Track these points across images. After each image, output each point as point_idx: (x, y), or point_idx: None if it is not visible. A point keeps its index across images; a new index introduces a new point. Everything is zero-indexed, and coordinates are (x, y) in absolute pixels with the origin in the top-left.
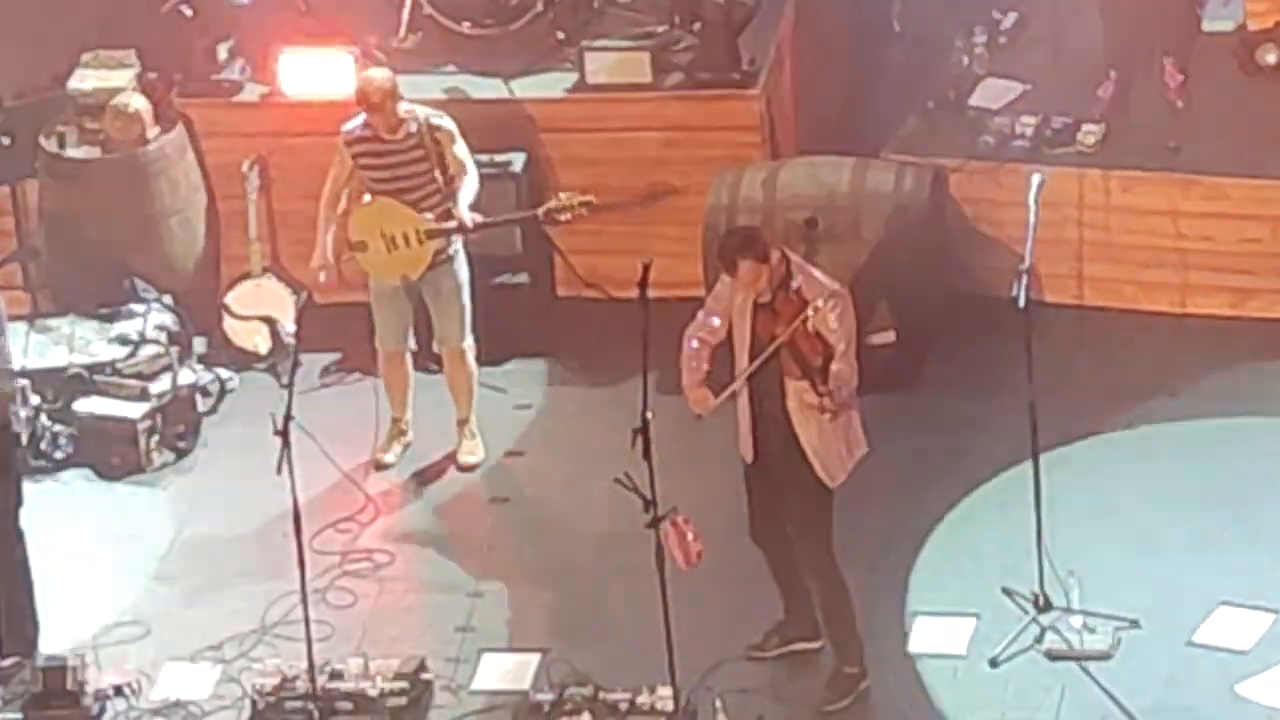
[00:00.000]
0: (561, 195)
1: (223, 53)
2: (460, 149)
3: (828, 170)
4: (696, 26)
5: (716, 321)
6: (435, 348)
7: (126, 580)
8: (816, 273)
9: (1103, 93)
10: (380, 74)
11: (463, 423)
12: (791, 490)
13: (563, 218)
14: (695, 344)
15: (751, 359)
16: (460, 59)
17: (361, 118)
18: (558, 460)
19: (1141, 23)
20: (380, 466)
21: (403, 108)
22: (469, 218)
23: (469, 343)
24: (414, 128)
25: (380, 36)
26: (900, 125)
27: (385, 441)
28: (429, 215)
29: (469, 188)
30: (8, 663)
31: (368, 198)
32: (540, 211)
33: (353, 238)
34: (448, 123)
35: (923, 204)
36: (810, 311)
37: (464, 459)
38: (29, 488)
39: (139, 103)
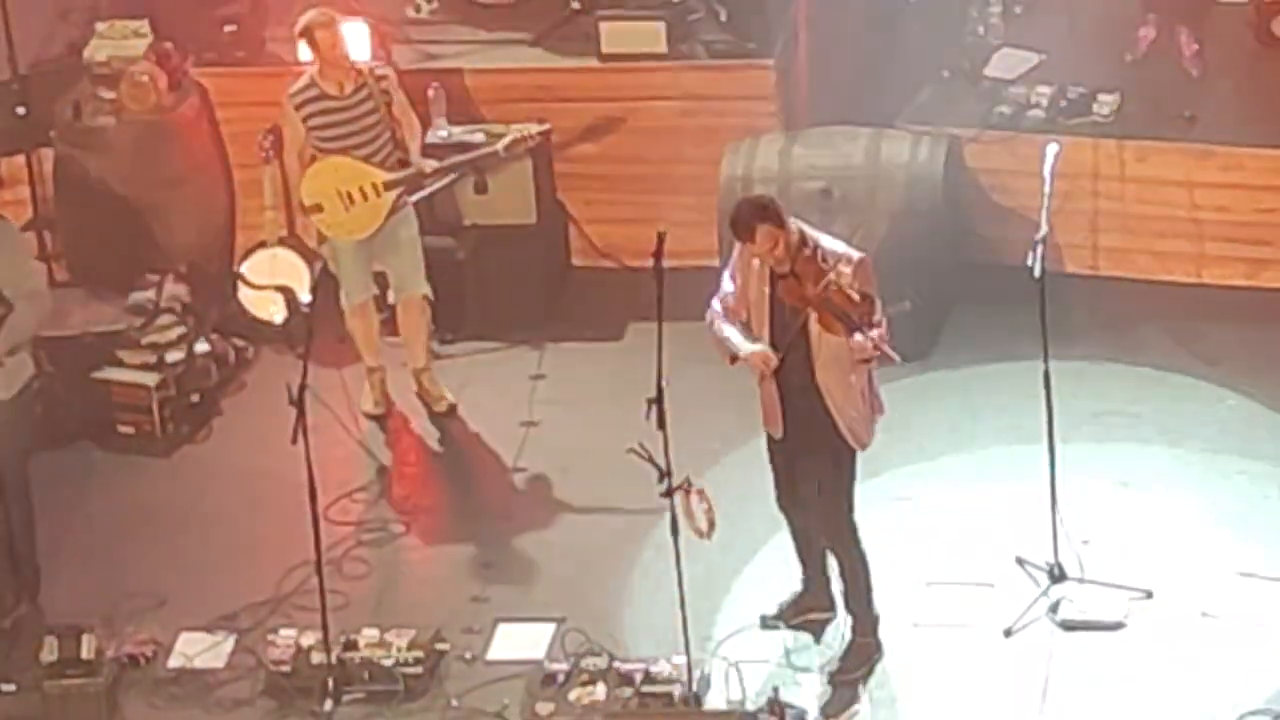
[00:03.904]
0: (517, 127)
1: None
2: (402, 97)
3: (843, 140)
4: None
5: (732, 286)
6: (391, 298)
7: (141, 549)
8: (829, 240)
9: (1142, 36)
10: (320, 11)
11: (423, 370)
12: (817, 460)
13: (521, 150)
14: (720, 310)
15: (774, 330)
16: (477, 28)
17: (305, 78)
18: (572, 430)
19: None
20: (370, 416)
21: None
22: (426, 163)
23: (427, 289)
24: (360, 80)
25: (397, 6)
26: (916, 95)
27: (369, 391)
28: (384, 166)
29: (417, 133)
30: (15, 613)
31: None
32: (501, 145)
33: (306, 202)
34: (388, 69)
35: (938, 174)
36: (834, 275)
37: (438, 407)
38: (45, 457)
39: (154, 72)
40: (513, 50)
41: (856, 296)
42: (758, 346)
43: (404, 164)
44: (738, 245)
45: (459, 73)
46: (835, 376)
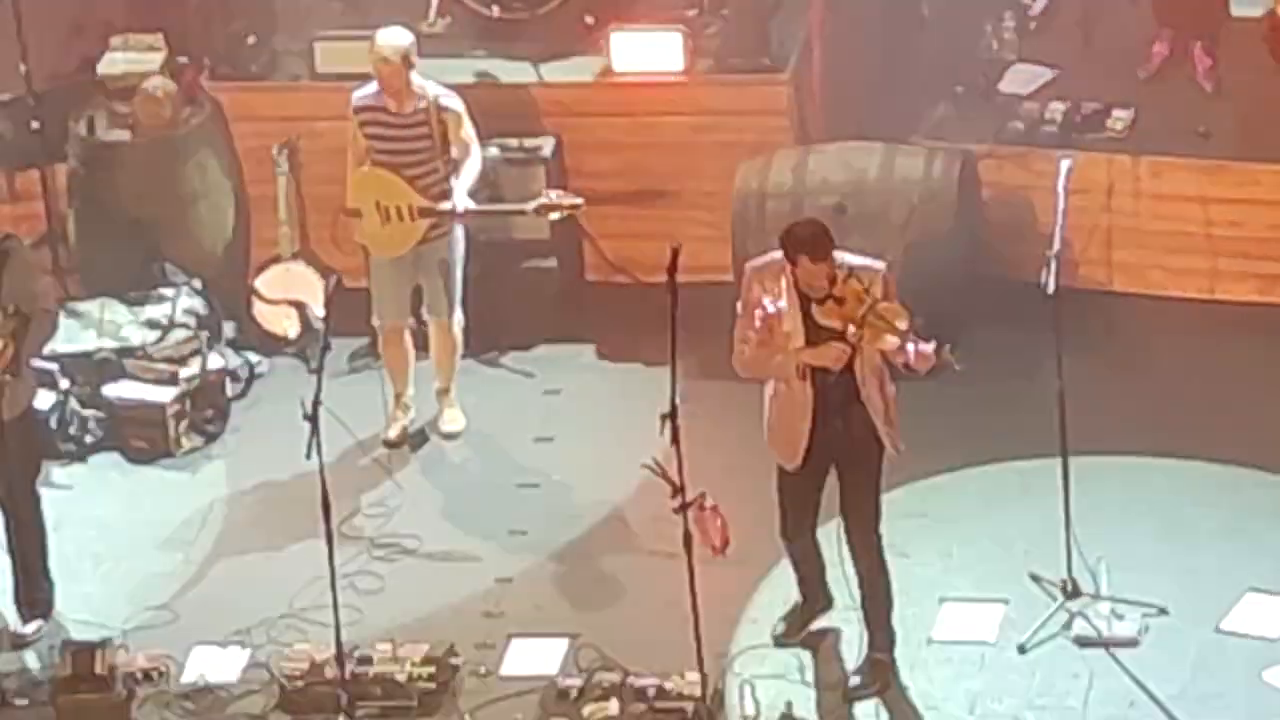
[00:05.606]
0: (552, 193)
1: (251, 38)
2: (467, 131)
3: (857, 156)
4: (726, 11)
5: (754, 324)
6: (423, 316)
7: (155, 565)
8: (850, 256)
9: (1156, 51)
10: (398, 33)
11: (444, 392)
12: (855, 476)
13: (552, 216)
14: (751, 345)
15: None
16: (489, 43)
17: (373, 86)
18: (586, 446)
19: None
20: (389, 444)
21: (415, 82)
22: (462, 203)
23: (458, 318)
24: (422, 104)
25: (410, 21)
26: (929, 111)
27: (389, 419)
28: (427, 193)
29: (470, 171)
30: (30, 628)
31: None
32: (531, 207)
33: (350, 204)
34: (456, 103)
35: (952, 189)
36: (877, 291)
37: (446, 428)
38: (59, 472)
39: (169, 86)
40: (526, 65)
41: (899, 308)
42: (832, 347)
43: (447, 195)
44: (745, 277)
45: (472, 87)
46: (876, 387)
